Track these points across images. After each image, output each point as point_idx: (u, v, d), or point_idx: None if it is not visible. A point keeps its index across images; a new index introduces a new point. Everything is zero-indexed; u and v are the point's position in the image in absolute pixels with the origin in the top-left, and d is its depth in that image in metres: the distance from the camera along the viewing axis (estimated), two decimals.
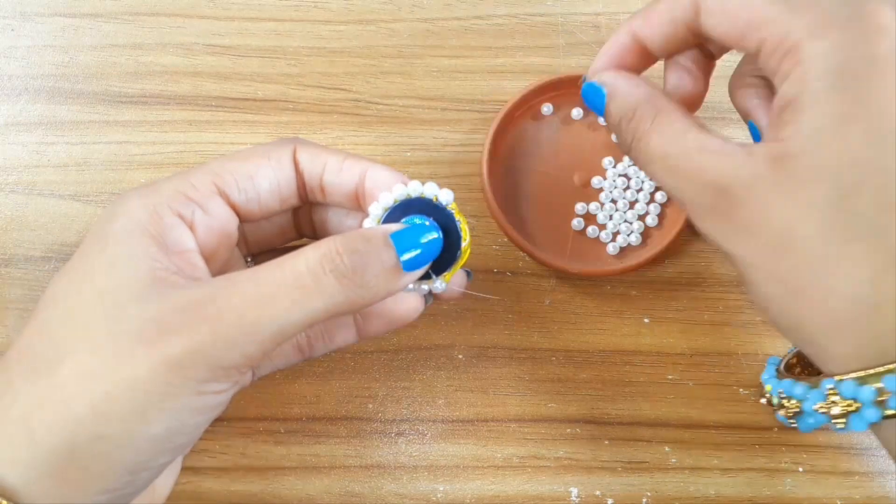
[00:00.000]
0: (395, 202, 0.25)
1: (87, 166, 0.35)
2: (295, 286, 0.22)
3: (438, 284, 0.26)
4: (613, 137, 0.33)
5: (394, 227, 0.25)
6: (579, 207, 0.34)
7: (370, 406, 0.33)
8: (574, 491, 0.33)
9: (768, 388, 0.25)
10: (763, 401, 0.26)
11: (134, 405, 0.21)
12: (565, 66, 0.36)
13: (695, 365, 0.34)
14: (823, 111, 0.21)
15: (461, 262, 0.26)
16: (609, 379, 0.34)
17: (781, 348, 0.34)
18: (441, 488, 0.33)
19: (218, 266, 0.27)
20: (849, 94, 0.21)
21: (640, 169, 0.27)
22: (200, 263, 0.25)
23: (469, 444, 0.33)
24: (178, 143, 0.35)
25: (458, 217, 0.25)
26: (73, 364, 0.22)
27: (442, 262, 0.26)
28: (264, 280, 0.22)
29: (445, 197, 0.25)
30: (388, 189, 0.26)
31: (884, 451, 0.33)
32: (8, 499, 0.21)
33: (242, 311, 0.22)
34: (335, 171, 0.27)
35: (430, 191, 0.25)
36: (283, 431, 0.33)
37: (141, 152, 0.35)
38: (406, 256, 0.24)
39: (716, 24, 0.24)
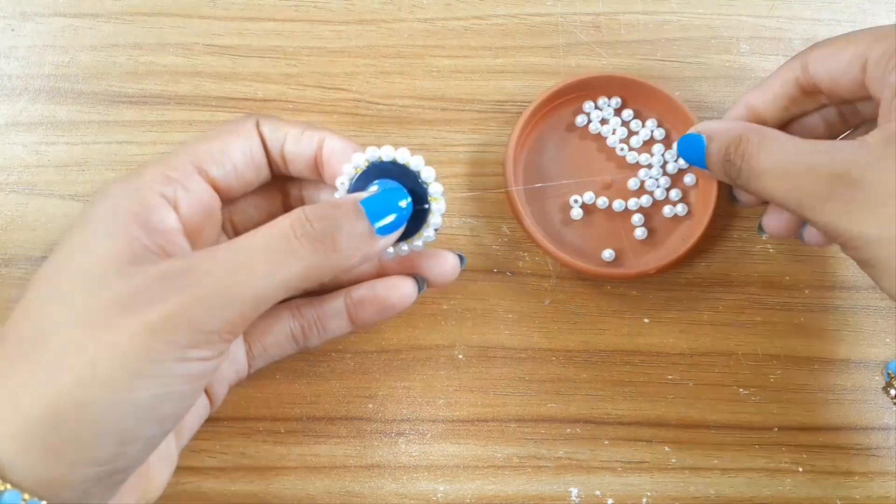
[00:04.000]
0: (366, 164, 0.26)
1: (87, 166, 0.35)
2: (268, 251, 0.23)
3: (419, 243, 0.27)
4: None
5: (364, 194, 0.25)
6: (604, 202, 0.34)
7: (370, 406, 0.33)
8: (574, 491, 0.33)
9: None
10: (892, 392, 0.27)
11: (117, 371, 0.21)
12: (565, 65, 0.36)
13: (695, 365, 0.34)
14: None
15: (432, 223, 0.27)
16: (609, 379, 0.34)
17: (782, 348, 0.34)
18: (441, 488, 0.33)
19: (206, 247, 0.27)
20: None
21: (751, 190, 0.28)
22: (183, 243, 0.26)
23: (469, 444, 0.33)
24: (178, 143, 0.35)
25: (435, 183, 0.26)
26: (57, 339, 0.22)
27: (414, 226, 0.27)
28: (239, 247, 0.23)
29: (416, 163, 0.26)
30: (347, 159, 0.27)
31: (884, 451, 0.33)
32: None
33: (219, 277, 0.22)
34: (295, 141, 0.28)
35: (402, 156, 0.26)
36: (283, 431, 0.33)
37: (141, 152, 0.35)
38: (380, 223, 0.25)
39: (822, 68, 0.28)
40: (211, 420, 0.31)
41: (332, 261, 0.24)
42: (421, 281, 0.29)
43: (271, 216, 0.30)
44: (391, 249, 0.27)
